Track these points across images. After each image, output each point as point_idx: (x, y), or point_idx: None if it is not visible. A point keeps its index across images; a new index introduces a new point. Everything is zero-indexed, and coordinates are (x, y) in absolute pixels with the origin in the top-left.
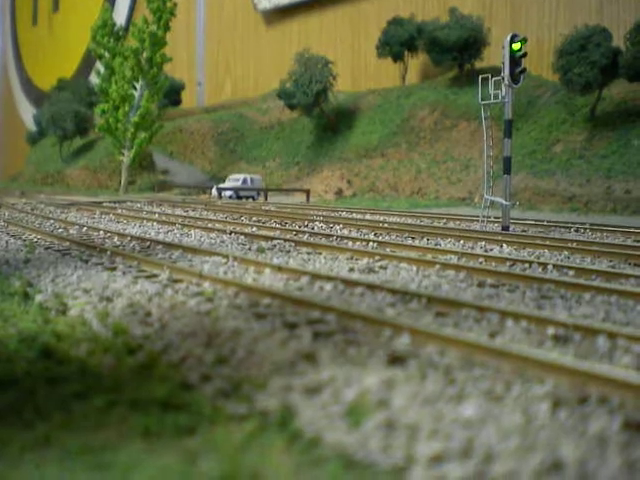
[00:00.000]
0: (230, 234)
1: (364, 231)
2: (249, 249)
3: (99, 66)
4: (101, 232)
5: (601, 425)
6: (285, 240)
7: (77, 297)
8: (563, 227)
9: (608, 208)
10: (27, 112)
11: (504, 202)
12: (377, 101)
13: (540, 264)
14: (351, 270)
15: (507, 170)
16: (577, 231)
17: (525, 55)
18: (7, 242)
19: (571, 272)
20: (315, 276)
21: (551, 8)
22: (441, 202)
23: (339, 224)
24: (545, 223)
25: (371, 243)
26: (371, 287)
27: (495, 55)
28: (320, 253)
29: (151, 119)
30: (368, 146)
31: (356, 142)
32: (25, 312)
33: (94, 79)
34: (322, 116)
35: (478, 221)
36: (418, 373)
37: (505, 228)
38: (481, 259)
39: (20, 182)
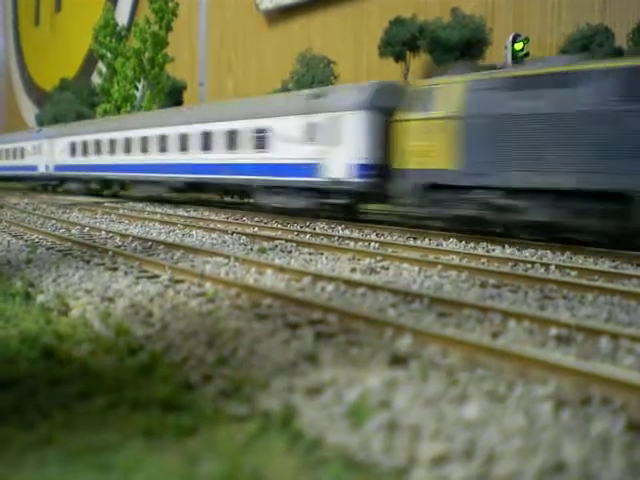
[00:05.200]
0: (232, 234)
1: (366, 231)
2: (251, 249)
3: (101, 66)
4: (103, 232)
5: (604, 426)
6: (287, 240)
7: (79, 297)
8: None
9: None
10: (29, 112)
11: None
12: None
13: (542, 264)
14: (353, 270)
15: None
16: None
17: (527, 55)
18: (9, 242)
19: (573, 272)
20: (317, 276)
21: (553, 8)
22: None
23: (341, 224)
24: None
25: (373, 243)
26: (373, 288)
27: (497, 55)
28: (322, 253)
29: None
30: None
31: None
32: (27, 312)
33: (96, 79)
34: None
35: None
36: (420, 374)
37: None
38: (483, 259)
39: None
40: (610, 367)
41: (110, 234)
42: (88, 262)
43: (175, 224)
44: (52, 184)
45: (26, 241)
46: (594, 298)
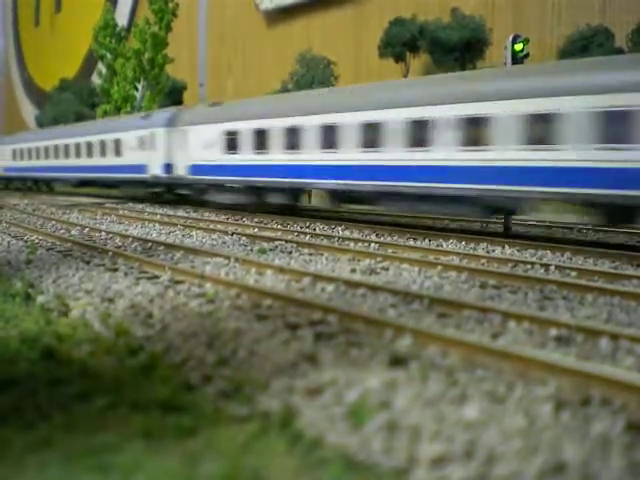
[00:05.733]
0: (232, 235)
1: (366, 232)
2: (251, 250)
3: (101, 67)
4: (103, 233)
5: (604, 427)
6: (287, 241)
7: (79, 298)
8: (565, 228)
9: None
10: (29, 113)
11: None
12: None
13: (542, 265)
14: (353, 271)
15: None
16: (579, 232)
17: (527, 55)
18: (9, 243)
19: (573, 273)
20: (317, 277)
21: (553, 8)
22: None
23: (341, 225)
24: (547, 224)
25: (373, 244)
26: (373, 288)
27: (497, 55)
28: (322, 254)
29: None
30: None
31: None
32: (27, 313)
33: (96, 80)
34: None
35: (480, 222)
36: (420, 374)
37: (507, 229)
38: (483, 260)
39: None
40: (610, 368)
41: (110, 235)
42: (88, 263)
43: (175, 225)
44: (184, 193)
45: (26, 242)
46: (594, 299)
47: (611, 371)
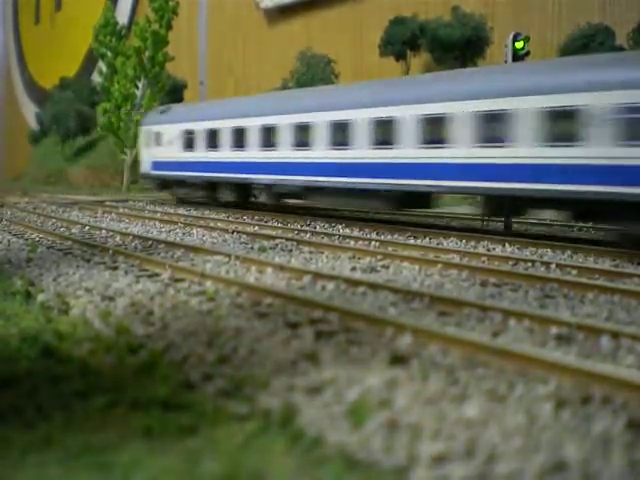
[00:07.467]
0: (232, 233)
1: (366, 230)
2: (251, 248)
3: (101, 65)
4: (103, 231)
5: (605, 425)
6: (287, 239)
7: (79, 296)
8: (566, 226)
9: None
10: (29, 111)
11: None
12: None
13: (543, 263)
14: (353, 269)
15: None
16: (580, 230)
17: (528, 54)
18: (9, 241)
19: (574, 271)
20: (317, 275)
21: (554, 7)
22: (443, 201)
23: (341, 223)
24: (548, 222)
25: (373, 242)
26: (373, 286)
27: (498, 54)
28: (322, 252)
29: None
30: None
31: None
32: (27, 311)
33: (96, 78)
34: None
35: (480, 220)
36: (420, 373)
37: (508, 227)
38: (484, 258)
39: (23, 181)
40: (611, 366)
41: (110, 233)
42: (88, 261)
43: (175, 223)
44: None
45: (26, 240)
46: (595, 297)
47: (612, 369)
